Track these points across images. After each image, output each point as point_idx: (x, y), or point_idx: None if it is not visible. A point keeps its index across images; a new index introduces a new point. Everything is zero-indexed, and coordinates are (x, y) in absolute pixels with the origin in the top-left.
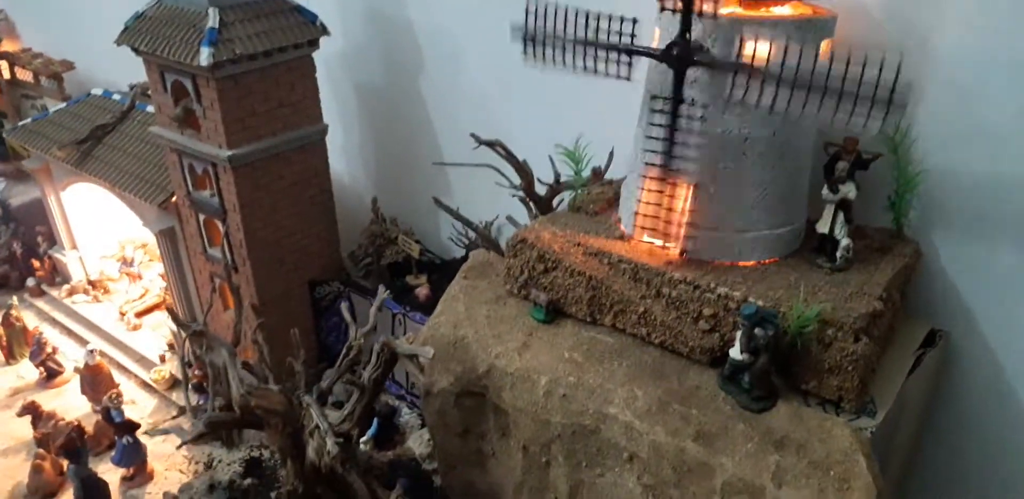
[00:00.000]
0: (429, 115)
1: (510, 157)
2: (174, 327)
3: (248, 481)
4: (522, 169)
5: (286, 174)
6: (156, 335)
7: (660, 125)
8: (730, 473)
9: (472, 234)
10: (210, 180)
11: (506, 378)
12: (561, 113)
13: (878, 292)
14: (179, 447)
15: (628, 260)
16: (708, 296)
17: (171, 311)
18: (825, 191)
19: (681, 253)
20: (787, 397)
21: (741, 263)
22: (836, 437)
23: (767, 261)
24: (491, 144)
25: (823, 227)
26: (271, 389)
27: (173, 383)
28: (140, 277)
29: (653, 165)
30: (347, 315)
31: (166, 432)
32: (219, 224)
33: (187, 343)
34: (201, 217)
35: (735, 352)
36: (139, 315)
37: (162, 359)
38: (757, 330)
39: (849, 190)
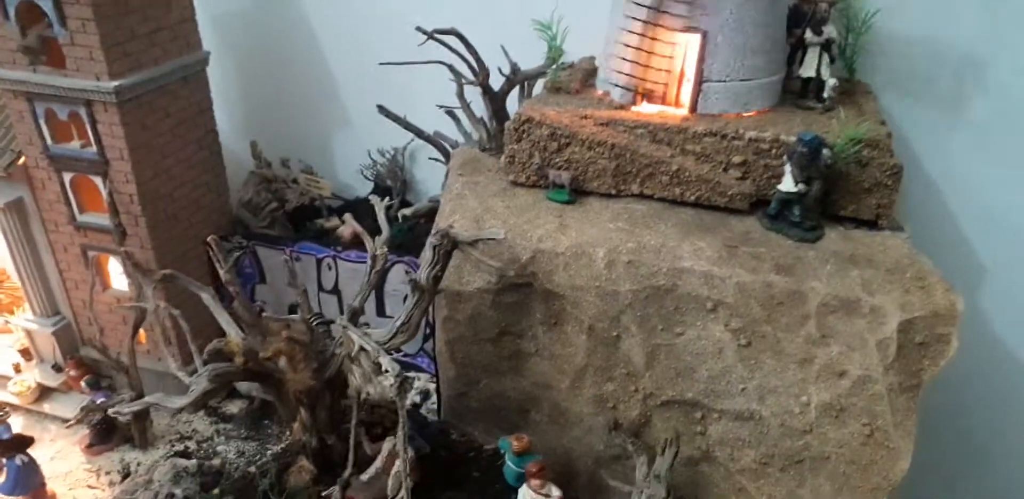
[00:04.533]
0: (315, 33)
1: (468, 49)
2: (34, 324)
3: (218, 460)
4: (480, 61)
5: (172, 111)
6: None
7: None
8: (823, 294)
9: (384, 163)
10: (81, 126)
11: (557, 260)
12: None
13: (879, 118)
14: (177, 412)
15: (643, 124)
16: (736, 144)
17: (132, 259)
18: (809, 34)
19: (691, 110)
20: (828, 226)
21: (745, 114)
22: (892, 247)
23: (765, 110)
24: (444, 34)
25: (808, 71)
26: (292, 318)
27: (41, 393)
28: None
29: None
30: (354, 224)
31: (143, 405)
32: (97, 181)
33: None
34: (67, 177)
35: (787, 185)
36: None
37: (17, 369)
38: (825, 151)
39: (831, 30)
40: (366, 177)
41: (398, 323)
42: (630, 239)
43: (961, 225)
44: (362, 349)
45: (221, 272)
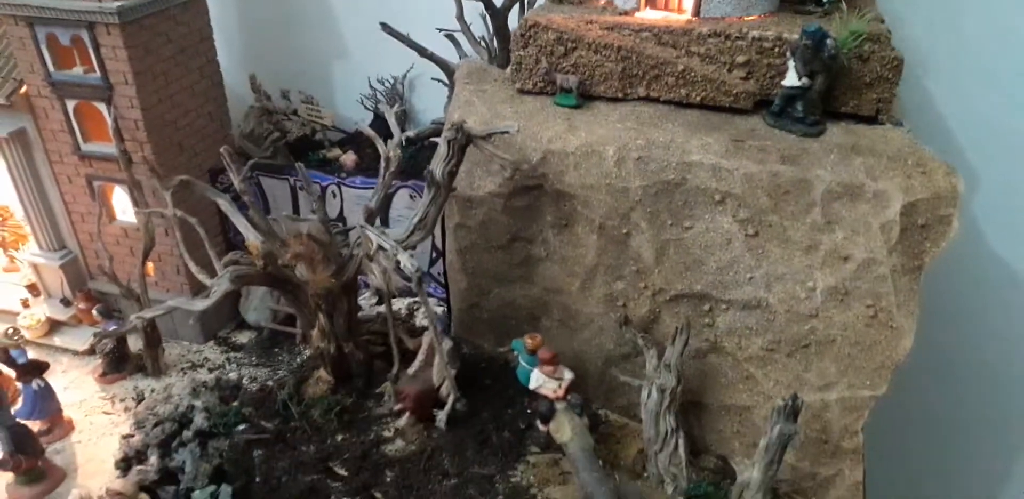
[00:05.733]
0: None
1: None
2: (41, 259)
3: (235, 377)
4: None
5: (174, 38)
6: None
7: None
8: (828, 180)
9: (384, 91)
10: (84, 50)
11: (567, 159)
12: None
13: (878, 16)
14: (202, 309)
15: (648, 27)
16: (740, 44)
17: (150, 164)
18: None
19: (695, 14)
20: (830, 122)
21: (747, 18)
22: (893, 139)
23: (766, 14)
24: None
25: None
26: (308, 218)
27: (51, 327)
28: None
29: None
30: (365, 129)
31: (166, 310)
32: (101, 107)
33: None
34: (70, 104)
35: (791, 80)
36: None
37: (25, 304)
38: (828, 41)
39: None
40: (366, 107)
41: (415, 220)
42: (639, 137)
43: (957, 137)
44: (380, 248)
45: (235, 181)
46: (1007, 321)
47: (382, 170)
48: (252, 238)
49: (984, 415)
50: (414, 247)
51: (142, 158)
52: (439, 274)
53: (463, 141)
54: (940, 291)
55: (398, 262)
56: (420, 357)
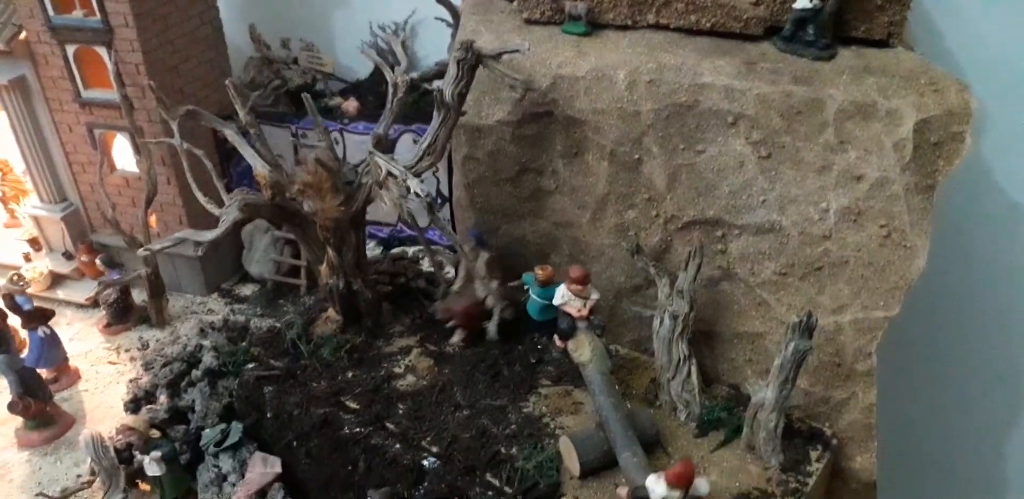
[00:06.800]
0: None
1: None
2: (43, 211)
3: (243, 318)
4: None
5: None
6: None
7: None
8: (840, 100)
9: (385, 38)
10: None
11: (578, 84)
12: None
13: None
14: (204, 244)
15: None
16: None
17: (156, 92)
18: None
19: None
20: (841, 47)
21: None
22: (906, 60)
23: None
24: None
25: None
26: (316, 145)
27: (53, 280)
28: None
29: None
30: (373, 55)
31: (175, 241)
32: (102, 52)
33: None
34: (70, 49)
35: (802, 2)
36: None
37: (27, 258)
38: None
39: None
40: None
41: (424, 145)
42: (650, 61)
43: (966, 71)
44: (390, 174)
45: (241, 113)
46: (1011, 252)
47: (390, 96)
48: (259, 168)
49: (991, 344)
50: (422, 173)
51: (148, 86)
52: (446, 220)
53: (473, 61)
54: (946, 222)
55: (408, 188)
56: (461, 273)
